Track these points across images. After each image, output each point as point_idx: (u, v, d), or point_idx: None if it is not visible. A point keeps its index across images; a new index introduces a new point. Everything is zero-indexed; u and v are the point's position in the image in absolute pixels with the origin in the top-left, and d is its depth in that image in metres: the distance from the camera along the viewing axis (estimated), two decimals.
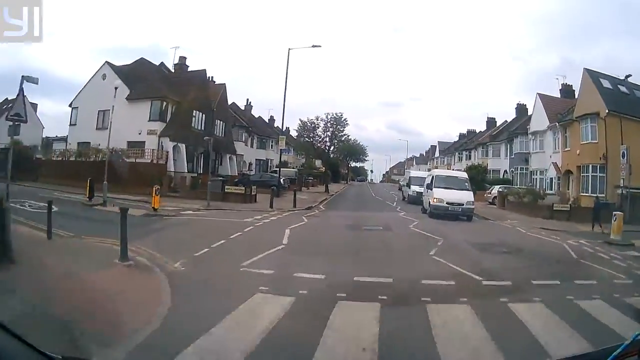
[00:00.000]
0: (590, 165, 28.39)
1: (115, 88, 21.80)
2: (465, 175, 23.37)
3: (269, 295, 6.24)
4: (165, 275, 7.34)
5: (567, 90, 39.86)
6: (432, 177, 21.95)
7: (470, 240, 12.57)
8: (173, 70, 37.85)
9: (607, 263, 10.38)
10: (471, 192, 21.11)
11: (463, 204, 19.53)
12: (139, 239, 9.63)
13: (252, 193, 23.18)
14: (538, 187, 31.53)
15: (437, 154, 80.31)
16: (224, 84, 40.12)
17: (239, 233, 11.70)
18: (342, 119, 38.75)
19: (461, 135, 71.96)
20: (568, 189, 32.21)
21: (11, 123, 11.32)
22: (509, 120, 53.69)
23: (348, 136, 42.76)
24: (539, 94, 38.32)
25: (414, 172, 37.56)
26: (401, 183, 58.36)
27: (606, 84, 29.89)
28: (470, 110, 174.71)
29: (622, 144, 24.74)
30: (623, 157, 21.72)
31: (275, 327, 4.94)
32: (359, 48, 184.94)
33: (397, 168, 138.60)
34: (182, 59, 38.08)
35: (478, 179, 36.59)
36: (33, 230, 10.54)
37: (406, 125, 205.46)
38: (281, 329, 4.92)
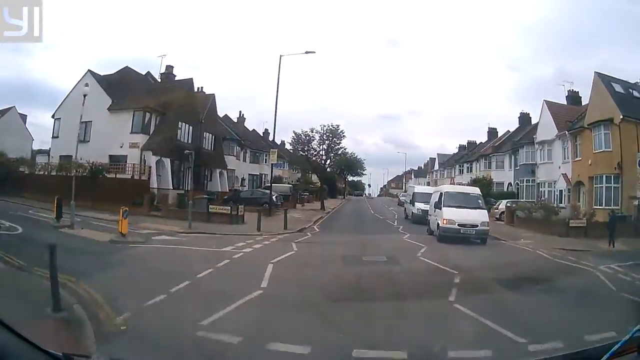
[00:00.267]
0: (604, 176, 26.46)
1: (84, 95, 19.64)
2: (477, 191, 20.73)
3: None
4: (93, 340, 5.22)
5: (573, 97, 38.21)
6: (441, 193, 19.22)
7: (492, 274, 10.32)
8: (160, 80, 35.99)
9: None
10: (485, 211, 18.60)
11: (477, 226, 17.05)
12: (91, 275, 8.21)
13: (239, 213, 20.96)
14: (546, 200, 29.38)
15: (436, 166, 78.26)
16: (213, 94, 38.18)
17: (210, 270, 9.39)
18: (339, 130, 36.69)
19: (461, 147, 70.11)
20: (579, 202, 30.29)
21: None
22: (511, 131, 51.90)
23: (345, 149, 40.65)
24: (546, 101, 36.43)
25: (418, 188, 33.70)
26: (401, 198, 56.36)
27: (618, 88, 28.12)
28: (468, 122, 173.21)
29: (638, 152, 23.23)
30: None
31: None
32: (355, 61, 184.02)
33: (394, 182, 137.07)
34: (169, 67, 36.06)
35: (483, 193, 34.26)
36: None
37: (403, 139, 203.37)
38: None
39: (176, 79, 34.87)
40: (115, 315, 6.24)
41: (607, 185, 26.18)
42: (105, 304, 6.71)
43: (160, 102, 31.01)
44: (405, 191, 73.56)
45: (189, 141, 32.01)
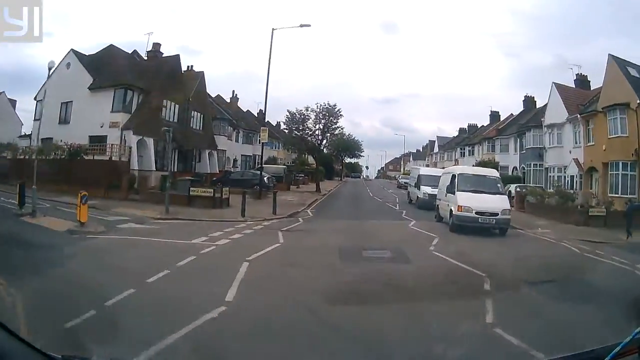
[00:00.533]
0: (620, 162, 25.04)
1: (49, 68, 17.28)
2: (495, 173, 18.19)
3: None
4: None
5: (582, 80, 36.24)
6: (454, 176, 16.67)
7: (527, 276, 8.26)
8: (147, 59, 33.54)
9: None
10: (506, 197, 16.17)
11: (497, 214, 14.67)
12: (24, 277, 6.61)
13: (224, 196, 18.87)
14: (561, 185, 27.42)
15: (436, 149, 76.17)
16: (202, 71, 35.63)
17: (166, 272, 7.27)
18: (335, 109, 34.23)
19: (461, 130, 68.21)
20: (590, 189, 28.48)
21: None
22: (514, 114, 50.07)
23: (342, 128, 38.24)
24: (555, 84, 34.57)
25: (424, 169, 29.89)
26: (400, 180, 54.31)
27: (633, 72, 26.41)
28: (465, 106, 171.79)
29: None
30: None
31: None
32: (353, 43, 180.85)
33: (392, 164, 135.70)
34: (156, 45, 33.61)
35: None
36: None
37: (401, 122, 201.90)
38: None
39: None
40: None
41: (623, 172, 24.88)
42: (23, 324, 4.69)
43: (144, 79, 28.78)
44: (405, 173, 71.82)
45: (175, 120, 29.78)
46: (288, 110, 34.92)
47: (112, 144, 25.99)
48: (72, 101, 28.92)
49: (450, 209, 15.55)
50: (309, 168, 49.84)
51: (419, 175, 26.34)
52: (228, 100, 50.02)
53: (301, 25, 22.89)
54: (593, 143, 28.33)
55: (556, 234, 16.15)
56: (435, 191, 20.23)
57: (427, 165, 59.89)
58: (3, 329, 1.89)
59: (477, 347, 4.88)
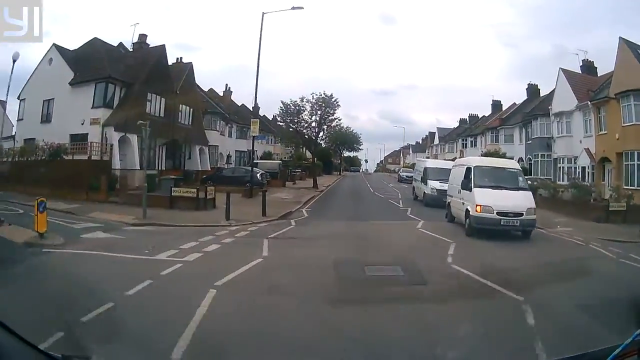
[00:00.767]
0: (636, 152, 23.45)
1: (14, 60, 15.51)
2: (517, 165, 15.94)
3: None
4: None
5: (589, 66, 34.39)
6: (468, 169, 14.32)
7: (571, 298, 6.49)
8: (132, 50, 31.65)
9: None
10: (530, 194, 13.79)
11: (522, 214, 12.58)
12: None
13: (209, 196, 17.11)
14: (579, 178, 25.84)
15: (436, 140, 74.25)
16: (190, 62, 33.67)
17: (109, 305, 5.49)
18: (332, 99, 31.98)
19: (462, 121, 66.27)
20: (603, 180, 26.86)
21: None
22: (517, 103, 48.32)
23: (339, 119, 35.58)
24: (562, 69, 32.88)
25: (431, 162, 27.33)
26: (401, 174, 52.41)
27: None
28: (464, 97, 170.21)
29: None
30: None
31: None
32: (350, 35, 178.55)
33: (391, 157, 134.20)
34: (142, 36, 31.79)
35: None
36: None
37: (399, 114, 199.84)
38: None
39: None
40: None
41: (639, 162, 23.32)
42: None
43: (127, 72, 26.97)
44: (406, 166, 70.03)
45: (161, 115, 27.97)
46: (282, 102, 32.90)
47: (91, 142, 24.29)
48: (53, 98, 27.29)
49: (467, 209, 13.35)
50: (306, 163, 48.06)
51: (425, 169, 23.98)
52: (221, 94, 48.20)
53: (293, 8, 21.08)
54: (605, 132, 26.68)
55: (579, 233, 14.61)
56: (444, 186, 18.33)
57: (428, 157, 58.14)
58: (4, 328, 1.85)
59: None
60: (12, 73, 17.27)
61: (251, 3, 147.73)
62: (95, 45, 28.56)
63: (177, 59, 35.60)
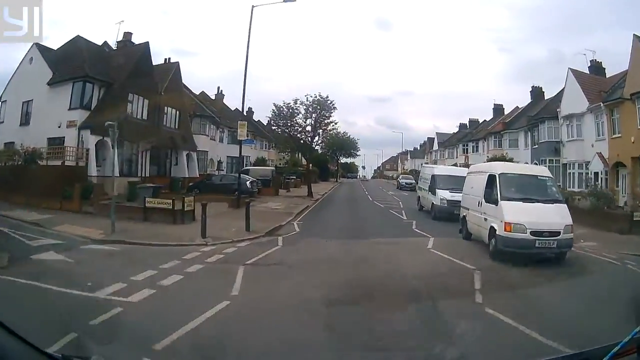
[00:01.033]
0: None
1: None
2: (547, 172, 13.03)
3: None
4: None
5: (597, 67, 32.81)
6: (493, 178, 11.75)
7: None
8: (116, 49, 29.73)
9: None
10: (565, 207, 11.31)
11: (559, 232, 10.23)
12: None
13: (187, 208, 15.02)
14: (598, 185, 24.05)
15: (435, 146, 72.48)
16: (177, 62, 31.76)
17: None
18: (328, 101, 29.82)
19: (461, 126, 64.68)
20: (617, 187, 25.12)
21: None
22: (520, 107, 46.65)
23: (335, 123, 32.79)
24: (571, 69, 31.20)
25: (440, 168, 24.14)
26: (401, 181, 50.27)
27: None
28: (460, 103, 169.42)
29: None
30: None
31: None
32: (346, 41, 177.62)
33: (389, 163, 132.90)
34: (127, 34, 29.85)
35: None
36: None
37: (396, 120, 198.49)
38: None
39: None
40: None
41: None
42: None
43: (105, 70, 25.03)
44: (407, 173, 68.06)
45: (144, 117, 26.02)
46: (274, 104, 30.80)
47: (64, 147, 22.36)
48: (32, 100, 25.49)
49: (491, 227, 10.99)
50: (302, 169, 46.07)
51: (433, 176, 21.22)
52: (213, 97, 46.24)
53: (285, 0, 19.20)
54: (619, 135, 25.14)
55: (606, 248, 12.84)
56: (456, 196, 16.26)
57: (426, 163, 56.17)
58: (4, 328, 1.85)
59: None
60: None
61: (247, 8, 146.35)
62: (76, 44, 26.65)
63: (165, 59, 33.86)
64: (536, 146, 35.01)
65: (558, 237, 10.19)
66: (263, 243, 12.36)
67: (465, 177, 15.27)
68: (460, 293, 7.63)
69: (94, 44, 28.25)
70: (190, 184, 27.14)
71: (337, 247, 12.20)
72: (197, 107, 35.35)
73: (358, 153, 61.37)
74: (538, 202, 10.90)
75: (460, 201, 15.00)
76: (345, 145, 53.36)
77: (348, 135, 54.70)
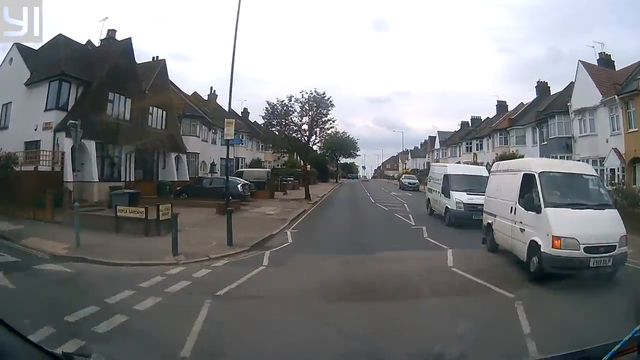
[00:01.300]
0: None
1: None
2: (591, 170, 10.75)
3: None
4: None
5: (606, 60, 31.02)
6: (530, 177, 9.55)
7: None
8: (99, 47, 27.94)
9: None
10: (617, 212, 9.13)
11: (615, 246, 8.21)
12: None
13: (162, 217, 13.12)
14: (615, 185, 22.39)
15: (437, 145, 70.67)
16: (163, 59, 29.96)
17: None
18: (326, 98, 28.01)
19: (463, 124, 63.14)
20: (634, 184, 23.41)
21: None
22: (525, 103, 45.01)
23: (333, 121, 30.35)
24: (582, 62, 29.45)
25: (453, 167, 20.92)
26: (403, 181, 48.51)
27: None
28: (459, 103, 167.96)
29: None
30: None
31: None
32: (343, 42, 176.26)
33: (389, 163, 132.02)
34: (112, 32, 27.95)
35: None
36: None
37: (395, 121, 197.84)
38: None
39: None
40: None
41: None
42: None
43: (84, 69, 23.25)
44: (409, 172, 66.21)
45: (126, 118, 24.25)
46: (267, 102, 29.03)
47: (41, 151, 20.65)
48: (11, 102, 23.84)
49: (532, 241, 8.77)
50: (300, 170, 44.31)
51: (446, 176, 18.71)
52: (205, 98, 44.44)
53: None
54: (636, 129, 23.60)
55: None
56: (474, 199, 14.53)
57: (428, 162, 54.36)
58: (4, 326, 1.82)
59: None
60: None
61: (245, 12, 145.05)
62: (58, 43, 24.86)
63: (153, 57, 32.05)
64: (545, 142, 33.22)
65: (613, 252, 8.19)
66: (245, 261, 10.26)
67: (483, 176, 13.39)
68: (504, 344, 5.41)
69: (76, 42, 26.45)
70: (178, 188, 25.39)
71: (335, 267, 10.00)
72: (186, 107, 33.53)
73: (358, 153, 59.93)
74: (588, 208, 8.80)
75: (479, 204, 13.15)
76: (345, 145, 51.84)
77: (347, 135, 53.23)
